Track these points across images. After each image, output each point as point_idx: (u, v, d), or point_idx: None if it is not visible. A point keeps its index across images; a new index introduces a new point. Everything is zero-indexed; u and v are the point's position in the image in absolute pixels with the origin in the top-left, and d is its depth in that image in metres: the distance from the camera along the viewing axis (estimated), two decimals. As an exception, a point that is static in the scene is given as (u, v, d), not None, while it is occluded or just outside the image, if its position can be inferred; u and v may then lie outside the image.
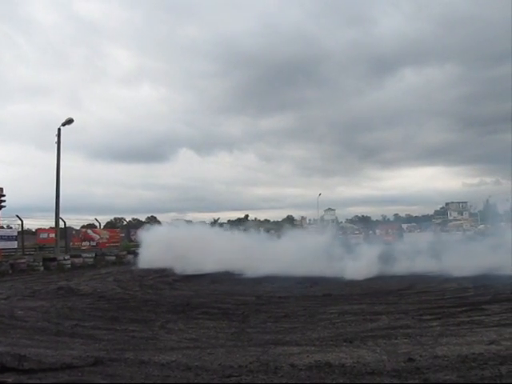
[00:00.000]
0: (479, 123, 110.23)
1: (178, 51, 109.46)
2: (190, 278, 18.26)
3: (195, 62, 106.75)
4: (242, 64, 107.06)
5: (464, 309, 9.94)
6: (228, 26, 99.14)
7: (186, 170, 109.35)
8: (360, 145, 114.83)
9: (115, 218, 56.98)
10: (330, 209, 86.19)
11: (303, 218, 76.64)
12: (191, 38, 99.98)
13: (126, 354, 6.85)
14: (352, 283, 15.28)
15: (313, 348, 6.97)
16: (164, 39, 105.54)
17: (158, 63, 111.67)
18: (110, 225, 48.73)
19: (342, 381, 5.37)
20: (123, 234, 37.59)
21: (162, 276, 19.00)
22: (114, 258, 27.24)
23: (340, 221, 75.03)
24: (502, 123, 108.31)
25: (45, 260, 23.60)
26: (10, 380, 5.01)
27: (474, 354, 6.33)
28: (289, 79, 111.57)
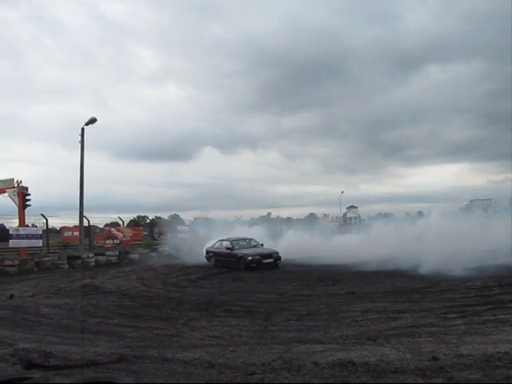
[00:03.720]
0: (504, 119, 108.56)
1: (204, 51, 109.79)
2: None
3: (220, 61, 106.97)
4: (267, 63, 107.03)
5: (489, 307, 9.79)
6: (253, 26, 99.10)
7: (209, 168, 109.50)
8: (384, 142, 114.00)
9: (138, 216, 57.44)
10: (352, 206, 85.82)
11: (325, 216, 76.33)
12: (217, 38, 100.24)
13: (149, 351, 6.92)
14: (373, 280, 15.14)
15: (336, 346, 6.94)
16: (190, 39, 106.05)
17: (184, 63, 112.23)
18: (133, 223, 49.09)
19: (365, 379, 5.35)
20: (146, 232, 37.79)
21: (186, 274, 19.08)
22: (137, 256, 27.41)
23: (363, 218, 74.51)
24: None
25: (69, 258, 23.93)
26: (36, 376, 5.08)
27: (499, 352, 6.24)
28: (313, 77, 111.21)
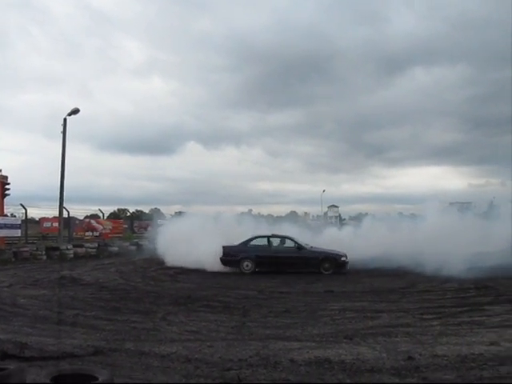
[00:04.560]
0: (487, 124, 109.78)
1: (191, 45, 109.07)
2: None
3: (207, 55, 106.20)
4: (254, 59, 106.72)
5: (465, 309, 9.93)
6: (241, 21, 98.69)
7: (192, 163, 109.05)
8: (367, 143, 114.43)
9: (119, 209, 57.05)
10: (333, 205, 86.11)
11: (306, 214, 76.62)
12: (204, 32, 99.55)
13: (126, 344, 6.90)
14: (354, 280, 15.28)
15: (313, 344, 6.99)
16: (177, 32, 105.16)
17: (170, 56, 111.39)
18: (114, 216, 48.76)
19: (341, 377, 5.39)
20: (126, 226, 37.61)
21: (165, 268, 19.00)
22: (116, 249, 27.23)
23: (343, 218, 74.85)
24: (510, 125, 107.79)
25: (48, 249, 23.67)
26: (11, 367, 5.04)
27: (473, 354, 6.34)
28: (299, 75, 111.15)
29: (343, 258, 18.33)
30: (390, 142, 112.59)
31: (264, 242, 19.25)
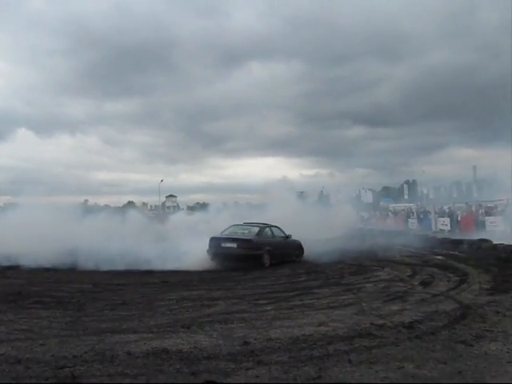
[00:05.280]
0: (318, 119, 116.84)
1: (24, 25, 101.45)
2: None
3: (42, 37, 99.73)
4: (91, 45, 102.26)
5: (297, 293, 10.58)
6: (79, 4, 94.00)
7: (22, 150, 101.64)
8: (205, 133, 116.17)
9: None
10: (171, 195, 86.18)
11: (144, 204, 75.86)
12: (38, 13, 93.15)
13: None
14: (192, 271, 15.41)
15: (150, 335, 7.00)
16: (8, 10, 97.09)
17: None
18: None
19: (178, 367, 5.48)
20: None
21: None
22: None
23: (181, 207, 75.16)
24: (338, 120, 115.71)
25: None
26: None
27: (304, 335, 6.83)
28: (137, 63, 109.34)
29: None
30: (228, 133, 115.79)
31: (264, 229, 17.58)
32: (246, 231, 17.41)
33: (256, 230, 17.32)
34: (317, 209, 25.35)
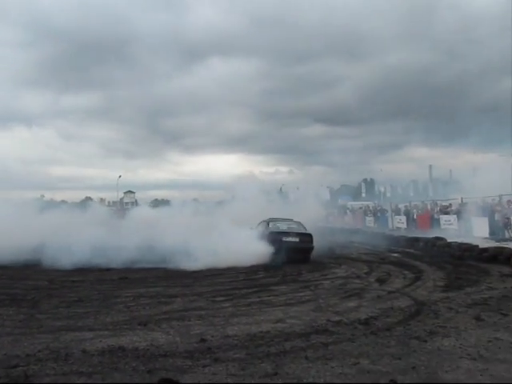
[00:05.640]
0: (278, 117, 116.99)
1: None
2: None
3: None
4: (49, 37, 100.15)
5: (255, 290, 10.62)
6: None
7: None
8: (164, 129, 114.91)
9: None
10: (129, 191, 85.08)
11: (102, 200, 74.66)
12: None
13: None
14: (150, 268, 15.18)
15: (106, 332, 6.93)
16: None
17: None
18: None
19: (134, 364, 5.44)
20: None
21: None
22: None
23: (139, 204, 74.43)
24: (298, 118, 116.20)
25: None
26: None
27: (261, 332, 6.87)
28: (97, 57, 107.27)
29: None
30: (188, 129, 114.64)
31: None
32: (295, 226, 17.66)
33: (300, 225, 17.68)
34: (282, 205, 25.46)
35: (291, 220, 18.25)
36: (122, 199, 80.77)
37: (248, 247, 15.46)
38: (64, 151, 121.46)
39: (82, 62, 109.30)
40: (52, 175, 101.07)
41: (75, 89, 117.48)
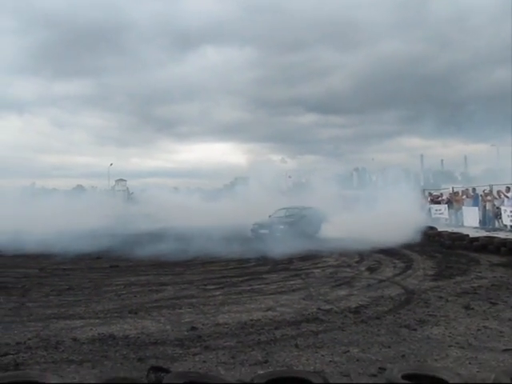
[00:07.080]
0: (270, 105, 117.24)
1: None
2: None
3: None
4: (42, 24, 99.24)
5: (246, 278, 10.63)
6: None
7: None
8: (156, 117, 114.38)
9: None
10: (121, 179, 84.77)
11: (93, 188, 74.37)
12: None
13: None
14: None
15: (97, 321, 6.94)
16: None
17: None
18: None
19: (125, 352, 5.45)
20: None
21: None
22: None
23: (131, 192, 74.17)
24: (290, 106, 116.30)
25: None
26: None
27: (252, 320, 6.90)
28: (89, 44, 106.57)
29: None
30: (180, 117, 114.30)
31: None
32: (294, 214, 19.81)
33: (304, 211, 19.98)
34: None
35: (303, 207, 20.23)
36: (113, 187, 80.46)
37: None
38: (56, 139, 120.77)
39: (75, 49, 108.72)
40: (43, 163, 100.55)
41: (67, 76, 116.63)
